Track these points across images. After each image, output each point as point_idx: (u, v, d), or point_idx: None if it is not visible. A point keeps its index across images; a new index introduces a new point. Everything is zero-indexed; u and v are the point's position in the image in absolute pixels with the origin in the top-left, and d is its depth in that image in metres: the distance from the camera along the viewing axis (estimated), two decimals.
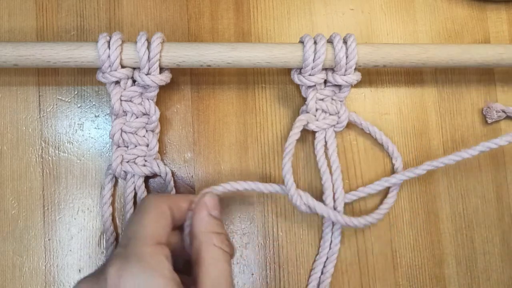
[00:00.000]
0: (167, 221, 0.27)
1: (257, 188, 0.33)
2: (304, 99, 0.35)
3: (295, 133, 0.33)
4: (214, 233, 0.28)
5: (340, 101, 0.35)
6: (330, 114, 0.35)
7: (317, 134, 0.35)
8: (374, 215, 0.34)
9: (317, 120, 0.35)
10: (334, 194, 0.34)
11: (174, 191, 0.34)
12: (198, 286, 0.26)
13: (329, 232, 0.35)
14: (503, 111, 0.38)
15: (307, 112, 0.35)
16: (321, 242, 0.35)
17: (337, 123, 0.35)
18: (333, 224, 0.35)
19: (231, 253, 0.28)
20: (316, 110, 0.35)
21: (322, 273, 0.35)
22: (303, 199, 0.33)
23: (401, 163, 0.36)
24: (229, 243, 0.28)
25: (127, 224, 0.27)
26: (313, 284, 0.35)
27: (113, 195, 0.34)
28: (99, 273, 0.25)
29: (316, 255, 0.35)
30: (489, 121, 0.38)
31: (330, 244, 0.35)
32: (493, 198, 0.38)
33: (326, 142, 0.35)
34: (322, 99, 0.35)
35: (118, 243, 0.26)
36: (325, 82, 0.35)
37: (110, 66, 0.31)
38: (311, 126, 0.34)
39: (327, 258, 0.35)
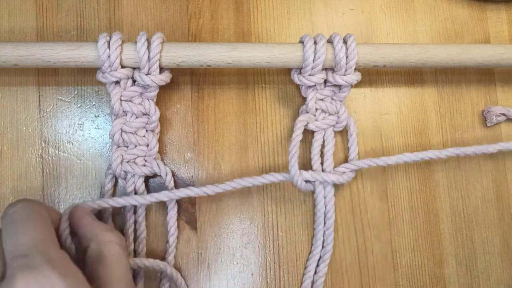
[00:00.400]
0: (51, 224, 0.26)
1: (258, 181, 0.33)
2: (304, 99, 0.35)
3: (298, 135, 0.33)
4: (107, 231, 0.28)
5: (340, 101, 0.35)
6: (329, 114, 0.35)
7: (315, 134, 0.35)
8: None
9: (316, 120, 0.35)
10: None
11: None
12: (102, 284, 0.25)
13: (321, 229, 0.35)
14: (504, 114, 0.38)
15: (307, 112, 0.35)
16: (313, 241, 0.35)
17: (337, 123, 0.35)
18: (325, 221, 0.35)
19: (125, 246, 0.28)
20: (316, 110, 0.35)
21: (315, 272, 0.35)
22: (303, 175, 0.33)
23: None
24: (120, 236, 0.28)
25: (10, 234, 0.24)
26: (307, 283, 0.35)
27: (113, 195, 0.34)
28: None
29: (309, 253, 0.35)
30: (489, 124, 0.38)
31: (323, 243, 0.35)
32: (493, 198, 0.38)
33: (324, 141, 0.35)
34: (322, 99, 0.35)
35: (7, 254, 0.23)
36: (325, 82, 0.35)
37: (110, 66, 0.31)
38: (311, 126, 0.34)
39: (320, 257, 0.35)
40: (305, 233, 0.36)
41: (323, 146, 0.35)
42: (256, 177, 0.33)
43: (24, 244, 0.23)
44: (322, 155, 0.35)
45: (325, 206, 0.35)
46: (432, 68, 0.38)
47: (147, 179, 0.35)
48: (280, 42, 0.37)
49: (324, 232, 0.35)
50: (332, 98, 0.35)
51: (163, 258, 0.34)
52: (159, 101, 0.35)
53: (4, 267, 0.23)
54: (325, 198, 0.35)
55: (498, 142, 0.38)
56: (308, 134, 0.36)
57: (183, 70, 0.36)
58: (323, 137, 0.35)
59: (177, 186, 0.35)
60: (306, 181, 0.34)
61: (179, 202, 0.35)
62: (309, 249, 0.35)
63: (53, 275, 0.22)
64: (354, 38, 0.33)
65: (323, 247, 0.35)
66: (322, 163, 0.35)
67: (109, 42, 0.31)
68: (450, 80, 0.39)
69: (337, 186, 0.36)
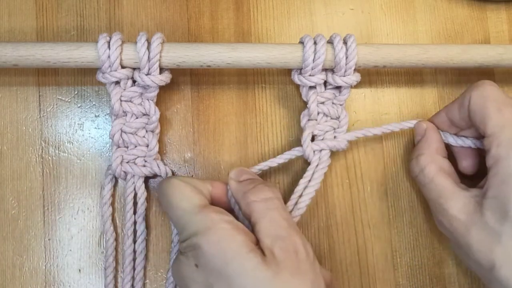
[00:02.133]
0: (192, 188, 0.29)
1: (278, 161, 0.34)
2: (304, 102, 0.35)
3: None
4: (247, 192, 0.30)
5: (341, 104, 0.35)
6: (331, 118, 0.35)
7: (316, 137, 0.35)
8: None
9: (318, 124, 0.35)
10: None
11: None
12: (258, 237, 0.28)
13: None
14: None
15: (309, 116, 0.34)
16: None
17: (338, 127, 0.35)
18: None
19: (272, 196, 0.29)
20: (318, 113, 0.35)
21: (301, 195, 0.34)
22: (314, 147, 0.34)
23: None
24: (267, 188, 0.30)
25: (170, 217, 0.30)
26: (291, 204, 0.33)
27: (113, 195, 0.34)
28: (179, 253, 0.28)
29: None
30: None
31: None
32: None
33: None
34: (323, 102, 0.35)
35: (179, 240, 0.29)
36: (326, 85, 0.35)
37: (110, 66, 0.31)
38: (315, 131, 0.34)
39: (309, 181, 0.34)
40: (305, 233, 0.36)
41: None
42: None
43: (175, 218, 0.29)
44: None
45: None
46: (432, 68, 0.38)
47: (147, 179, 0.35)
48: (280, 42, 0.37)
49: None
50: (333, 102, 0.35)
51: (167, 257, 0.34)
52: (159, 101, 0.35)
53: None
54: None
55: None
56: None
57: (183, 70, 0.36)
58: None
59: None
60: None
61: None
62: None
63: (204, 246, 0.27)
64: (354, 38, 0.33)
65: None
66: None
67: (109, 42, 0.31)
68: (450, 80, 0.39)
69: (337, 186, 0.36)
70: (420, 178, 0.33)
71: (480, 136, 0.33)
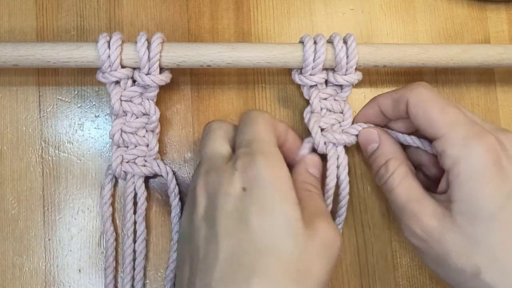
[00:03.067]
0: (274, 133, 0.31)
1: None
2: (306, 100, 0.35)
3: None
4: (309, 183, 0.31)
5: (343, 100, 0.35)
6: (335, 113, 0.35)
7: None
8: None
9: (323, 117, 0.34)
10: None
11: (177, 189, 0.34)
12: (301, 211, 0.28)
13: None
14: None
15: (312, 111, 0.34)
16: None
17: (343, 121, 0.35)
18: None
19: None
20: (321, 109, 0.35)
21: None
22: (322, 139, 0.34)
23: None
24: (320, 192, 0.32)
25: (240, 132, 0.30)
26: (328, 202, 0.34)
27: (113, 195, 0.34)
28: (227, 165, 0.28)
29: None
30: None
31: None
32: None
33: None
34: (325, 99, 0.35)
35: (238, 144, 0.30)
36: (326, 82, 0.35)
37: (110, 66, 0.31)
38: (320, 123, 0.34)
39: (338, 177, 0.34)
40: None
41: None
42: None
43: (248, 138, 0.29)
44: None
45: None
46: (432, 68, 0.38)
47: (147, 179, 0.35)
48: (280, 42, 0.37)
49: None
50: (334, 98, 0.35)
51: (166, 257, 0.34)
52: (159, 101, 0.35)
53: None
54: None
55: None
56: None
57: (183, 70, 0.36)
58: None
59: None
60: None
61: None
62: None
63: (261, 162, 0.27)
64: (354, 38, 0.33)
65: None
66: None
67: (109, 42, 0.31)
68: (450, 80, 0.39)
69: (337, 186, 0.36)
70: (388, 183, 0.31)
71: (413, 129, 0.33)
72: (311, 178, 0.32)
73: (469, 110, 0.31)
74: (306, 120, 0.34)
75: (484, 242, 0.27)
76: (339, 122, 0.35)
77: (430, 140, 0.31)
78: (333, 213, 0.34)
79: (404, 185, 0.30)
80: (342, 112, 0.35)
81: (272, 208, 0.26)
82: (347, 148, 0.35)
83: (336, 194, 0.34)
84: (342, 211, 0.34)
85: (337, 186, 0.34)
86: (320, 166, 0.34)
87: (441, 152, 0.29)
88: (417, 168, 0.33)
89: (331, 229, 0.28)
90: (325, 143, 0.34)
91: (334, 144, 0.34)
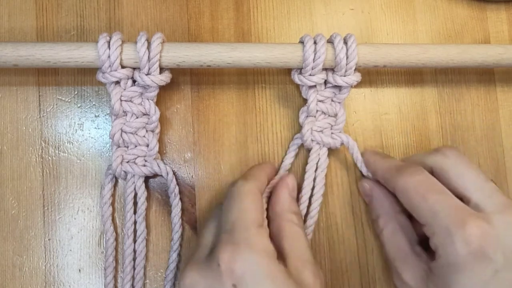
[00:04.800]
0: (261, 203, 0.30)
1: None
2: (304, 100, 0.35)
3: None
4: (293, 212, 0.31)
5: (339, 102, 0.35)
6: (329, 116, 0.35)
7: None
8: None
9: (317, 120, 0.35)
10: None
11: (177, 189, 0.34)
12: (287, 258, 0.29)
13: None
14: None
15: (308, 113, 0.35)
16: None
17: (335, 124, 0.35)
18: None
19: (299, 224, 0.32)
20: (316, 111, 0.35)
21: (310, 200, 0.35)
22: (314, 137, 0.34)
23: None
24: (302, 222, 0.32)
25: (224, 210, 0.29)
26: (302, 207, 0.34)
27: (113, 195, 0.34)
28: (209, 260, 0.27)
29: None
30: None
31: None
32: None
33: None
34: (322, 101, 0.35)
35: (219, 229, 0.29)
36: (325, 83, 0.35)
37: (110, 66, 0.31)
38: (313, 127, 0.35)
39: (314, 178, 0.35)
40: None
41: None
42: None
43: (230, 221, 0.28)
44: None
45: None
46: (432, 68, 0.38)
47: (147, 179, 0.35)
48: (280, 42, 0.37)
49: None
50: (332, 100, 0.35)
51: (166, 257, 0.34)
52: (159, 101, 0.35)
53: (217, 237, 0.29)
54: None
55: (497, 142, 0.38)
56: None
57: (183, 70, 0.36)
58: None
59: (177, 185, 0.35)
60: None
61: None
62: None
63: (246, 250, 0.26)
64: (354, 38, 0.33)
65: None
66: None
67: (109, 42, 0.31)
68: (450, 80, 0.39)
69: (337, 186, 0.36)
70: (380, 238, 0.34)
71: None
72: (294, 206, 0.33)
73: (482, 174, 0.31)
74: (300, 120, 0.35)
75: None
76: (331, 126, 0.35)
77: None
78: (306, 216, 0.35)
79: (391, 242, 0.33)
80: (335, 116, 0.35)
81: None
82: (347, 150, 0.35)
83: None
84: (314, 213, 0.35)
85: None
86: (296, 188, 0.34)
87: (428, 236, 0.30)
88: None
89: (318, 284, 0.28)
90: (312, 140, 0.35)
91: (319, 144, 0.35)
